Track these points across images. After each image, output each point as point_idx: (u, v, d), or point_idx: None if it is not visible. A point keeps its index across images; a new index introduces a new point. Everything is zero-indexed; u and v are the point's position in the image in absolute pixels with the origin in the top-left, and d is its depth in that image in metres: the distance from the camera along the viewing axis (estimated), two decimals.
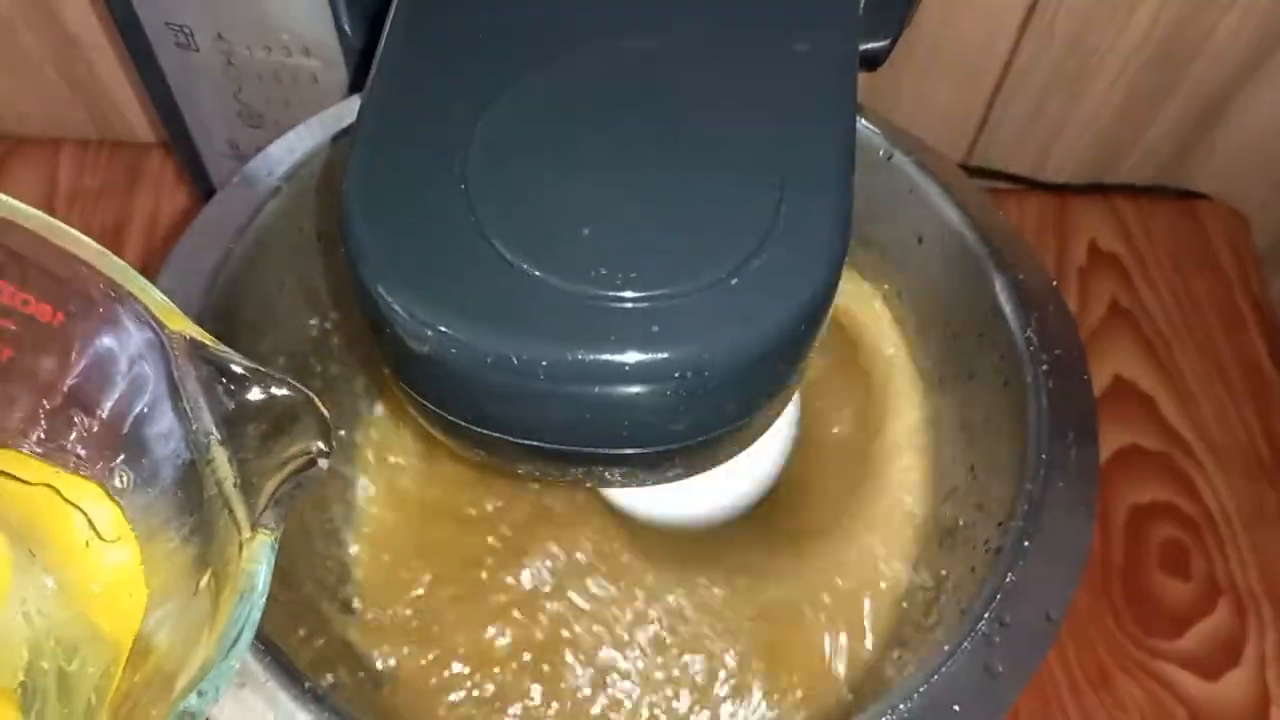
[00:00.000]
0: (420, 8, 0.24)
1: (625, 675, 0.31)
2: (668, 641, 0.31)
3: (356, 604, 0.32)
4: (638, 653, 0.31)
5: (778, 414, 0.24)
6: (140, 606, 0.21)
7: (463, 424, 0.22)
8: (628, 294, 0.20)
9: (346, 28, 0.32)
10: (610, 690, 0.31)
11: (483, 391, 0.21)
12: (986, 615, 0.23)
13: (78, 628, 0.22)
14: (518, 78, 0.23)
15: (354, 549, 0.33)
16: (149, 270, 0.21)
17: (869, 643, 0.30)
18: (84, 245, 0.20)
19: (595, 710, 0.31)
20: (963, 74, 0.47)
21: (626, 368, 0.20)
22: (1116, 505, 0.43)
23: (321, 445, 0.19)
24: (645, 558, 0.32)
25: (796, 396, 0.30)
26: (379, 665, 0.31)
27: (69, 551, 0.22)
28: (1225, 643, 0.40)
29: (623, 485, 0.27)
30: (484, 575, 0.32)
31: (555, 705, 0.31)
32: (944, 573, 0.29)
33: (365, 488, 0.35)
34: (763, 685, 0.31)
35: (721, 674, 0.31)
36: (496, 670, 0.31)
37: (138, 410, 0.20)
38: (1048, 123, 0.49)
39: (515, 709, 0.31)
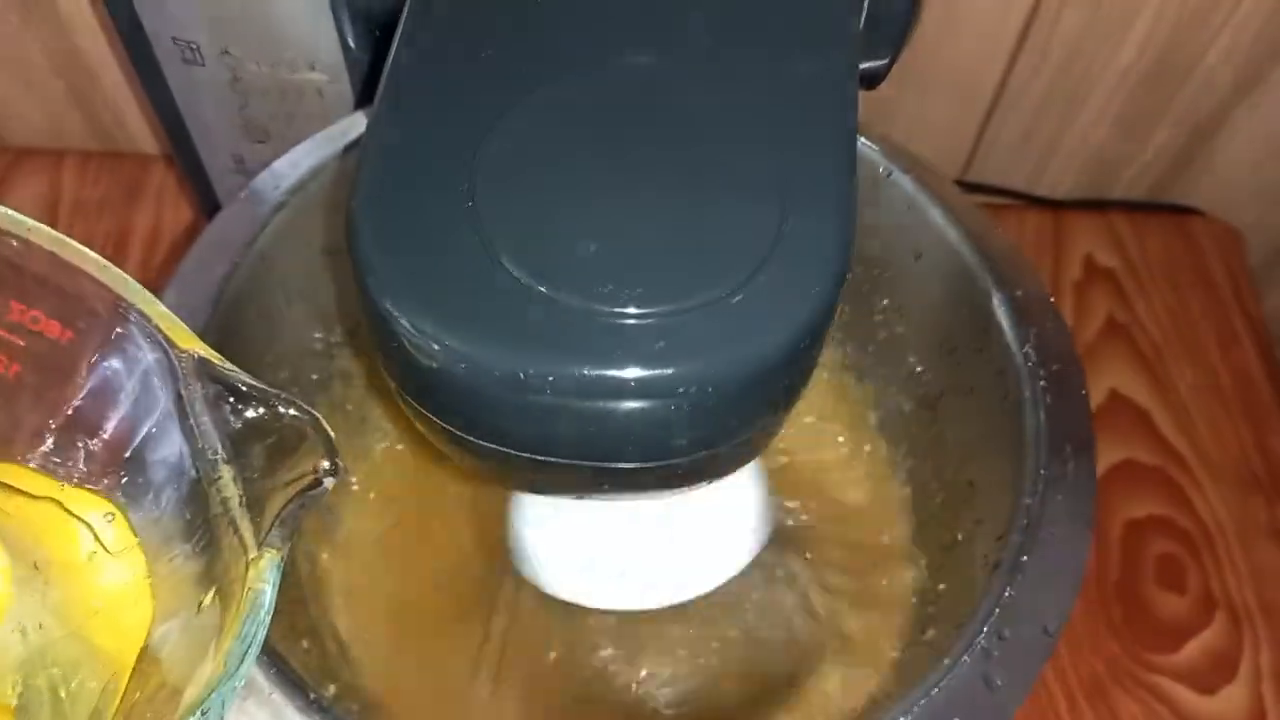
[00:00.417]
0: (427, 27, 0.25)
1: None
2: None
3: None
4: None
5: (779, 429, 0.24)
6: (145, 621, 0.21)
7: (469, 438, 0.22)
8: (633, 311, 0.20)
9: (351, 43, 0.33)
10: None
11: (489, 406, 0.21)
12: (985, 629, 0.24)
13: (76, 644, 0.22)
14: (524, 96, 0.23)
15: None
16: (152, 284, 0.21)
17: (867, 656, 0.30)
18: (93, 263, 0.20)
19: None
20: (959, 92, 0.47)
21: (631, 383, 0.20)
22: (1112, 519, 0.43)
23: (327, 464, 0.19)
24: None
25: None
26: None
27: (71, 566, 0.22)
28: (1221, 657, 0.41)
29: (622, 498, 0.27)
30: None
31: None
32: (942, 587, 0.29)
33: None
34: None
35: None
36: None
37: (144, 427, 0.21)
38: (1043, 140, 0.49)
39: None
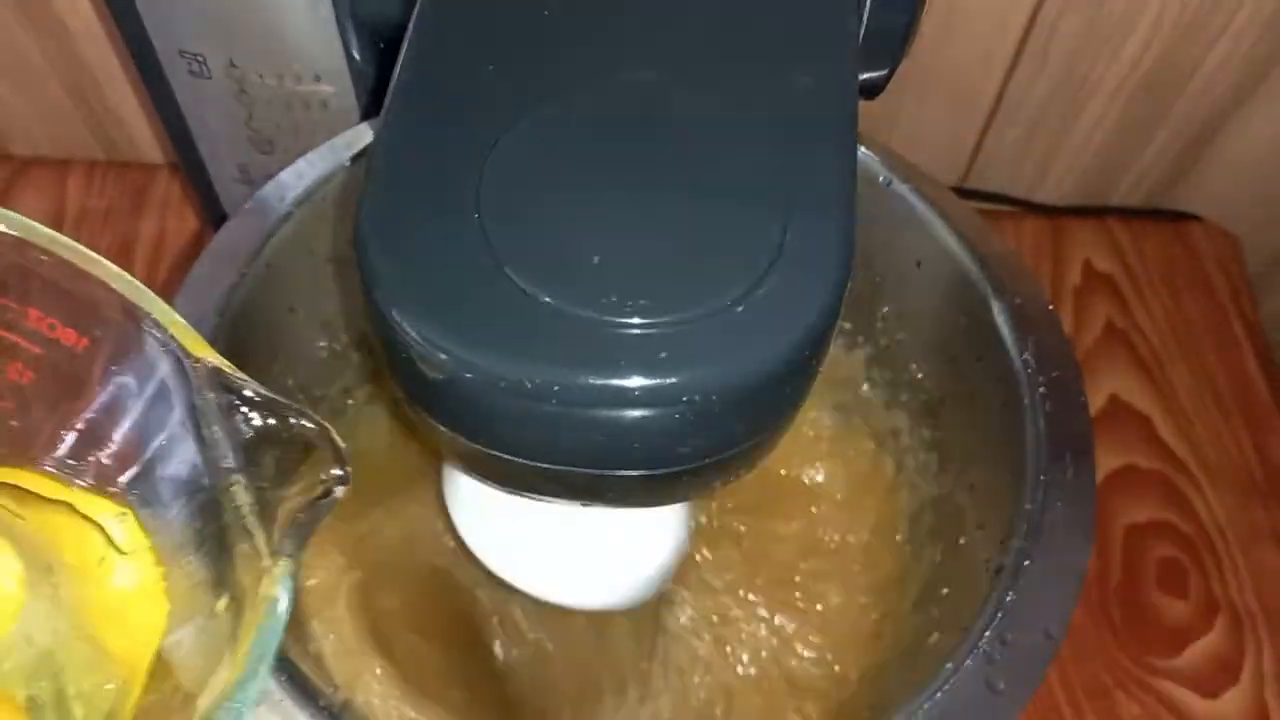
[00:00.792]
0: (433, 40, 0.25)
1: None
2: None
3: None
4: None
5: (782, 436, 0.24)
6: (160, 624, 0.21)
7: (475, 446, 0.22)
8: (637, 320, 0.20)
9: (356, 55, 0.33)
10: None
11: (495, 415, 0.21)
12: (988, 633, 0.24)
13: (89, 647, 0.22)
14: (530, 109, 0.23)
15: None
16: (158, 292, 0.21)
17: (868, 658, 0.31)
18: (110, 272, 0.20)
19: None
20: (959, 99, 0.48)
21: (635, 392, 0.20)
22: (1114, 524, 0.44)
23: (338, 472, 0.20)
24: None
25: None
26: None
27: (85, 569, 0.22)
28: (1223, 661, 0.41)
29: (627, 506, 0.27)
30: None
31: None
32: (945, 591, 0.29)
33: None
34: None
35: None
36: None
37: (158, 435, 0.21)
38: (1042, 147, 0.50)
39: None
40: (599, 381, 0.20)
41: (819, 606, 0.33)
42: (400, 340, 0.21)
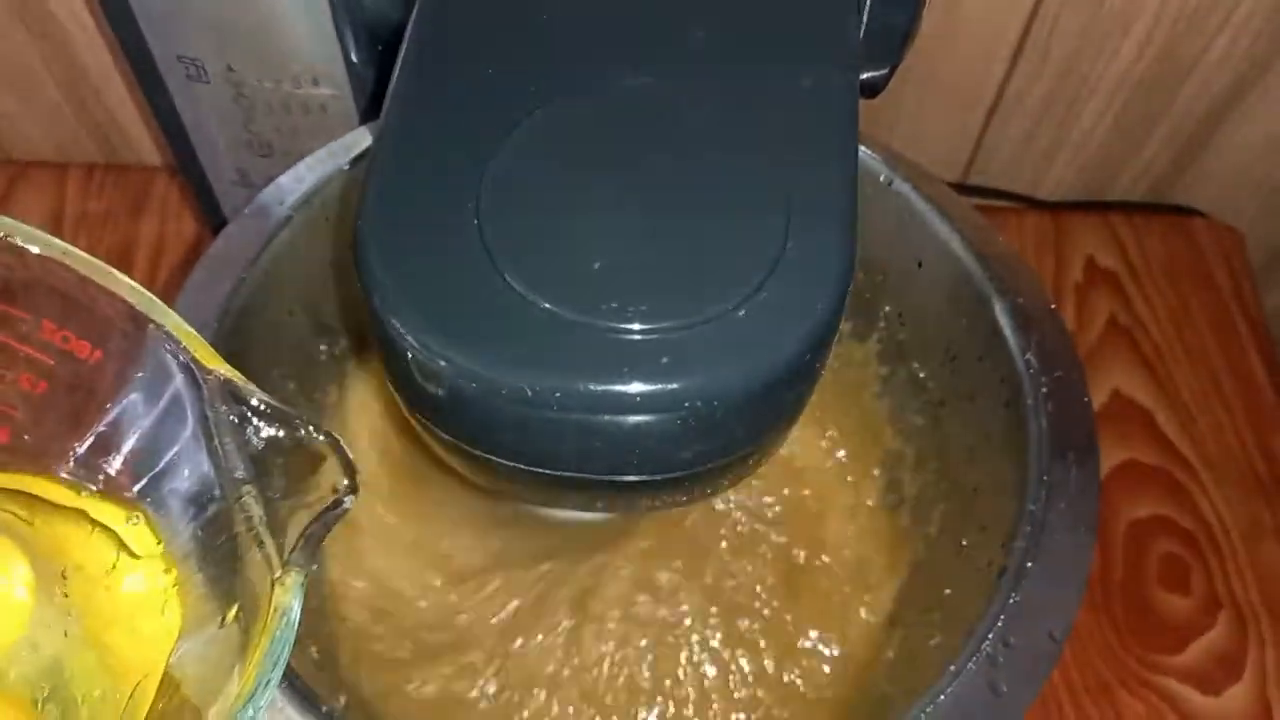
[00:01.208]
0: (432, 45, 0.25)
1: None
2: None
3: None
4: None
5: (784, 440, 0.24)
6: (173, 630, 0.21)
7: (476, 452, 0.22)
8: (638, 326, 0.20)
9: (355, 58, 0.33)
10: None
11: (497, 421, 0.21)
12: (990, 635, 0.24)
13: (96, 655, 0.22)
14: (529, 114, 0.23)
15: None
16: (158, 296, 0.21)
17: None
18: (124, 285, 0.20)
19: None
20: (960, 95, 0.47)
21: (636, 398, 0.20)
22: (1116, 520, 0.44)
23: (347, 483, 0.20)
24: None
25: None
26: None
27: (95, 575, 0.22)
28: (1226, 657, 0.41)
29: (630, 511, 0.27)
30: None
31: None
32: (948, 592, 0.29)
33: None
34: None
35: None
36: None
37: (170, 446, 0.21)
38: (1043, 143, 0.50)
39: None
40: (600, 388, 0.20)
41: (820, 603, 0.33)
42: (400, 348, 0.21)
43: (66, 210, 0.52)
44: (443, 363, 0.21)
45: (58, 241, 0.20)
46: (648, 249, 0.21)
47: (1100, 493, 0.25)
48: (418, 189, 0.23)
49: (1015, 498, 0.26)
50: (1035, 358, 0.28)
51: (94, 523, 0.22)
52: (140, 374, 0.21)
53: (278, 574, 0.20)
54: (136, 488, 0.22)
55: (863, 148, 0.31)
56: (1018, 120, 0.48)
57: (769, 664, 0.32)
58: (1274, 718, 0.39)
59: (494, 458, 0.22)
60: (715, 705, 0.32)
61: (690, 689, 0.32)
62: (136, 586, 0.22)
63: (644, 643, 0.32)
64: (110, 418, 0.21)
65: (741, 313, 0.20)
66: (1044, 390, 0.27)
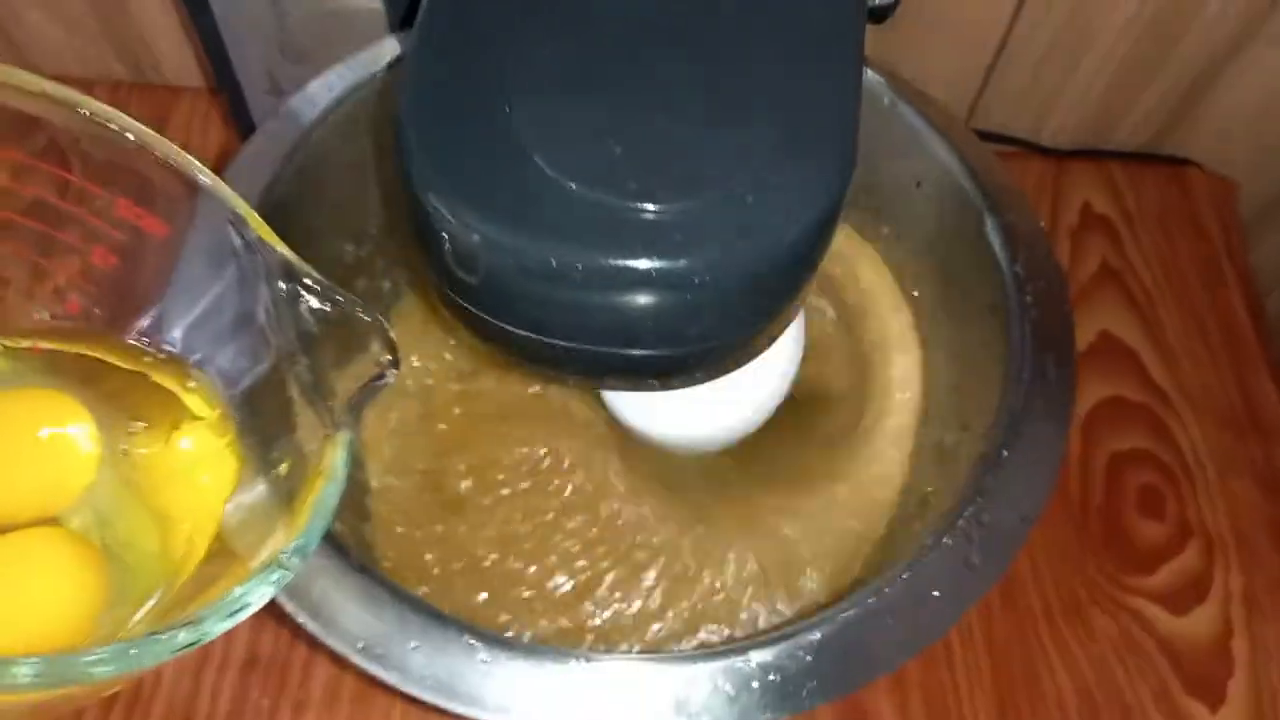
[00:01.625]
0: None
1: None
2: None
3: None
4: None
5: (788, 323, 0.26)
6: (229, 483, 0.23)
7: (504, 327, 0.24)
8: (655, 206, 0.22)
9: None
10: None
11: (523, 294, 0.23)
12: (965, 514, 0.26)
13: (151, 511, 0.24)
14: (558, 15, 0.25)
15: None
16: None
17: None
18: (197, 168, 0.22)
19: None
20: (965, 41, 0.48)
21: (651, 272, 0.22)
22: (1098, 451, 0.45)
23: (389, 358, 0.22)
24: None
25: (799, 335, 0.32)
26: None
27: (156, 435, 0.24)
28: (1193, 580, 0.43)
29: (637, 389, 0.29)
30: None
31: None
32: (930, 489, 0.31)
33: None
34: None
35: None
36: None
37: (228, 317, 0.23)
38: (1045, 90, 0.51)
39: None
40: (617, 261, 0.22)
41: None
42: (435, 224, 0.23)
43: None
44: (475, 237, 0.22)
45: (140, 126, 0.22)
46: (665, 137, 0.23)
47: (1075, 389, 0.27)
48: (454, 81, 0.24)
49: (997, 395, 0.28)
50: (1022, 269, 0.29)
51: (155, 386, 0.24)
52: (207, 250, 0.23)
53: (329, 432, 0.22)
54: (195, 356, 0.24)
55: (868, 70, 0.33)
56: (1022, 66, 0.49)
57: None
58: (1234, 635, 0.42)
59: (520, 331, 0.24)
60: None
61: None
62: (193, 446, 0.24)
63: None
64: (177, 288, 0.23)
65: (751, 196, 0.22)
66: (1028, 298, 0.29)
